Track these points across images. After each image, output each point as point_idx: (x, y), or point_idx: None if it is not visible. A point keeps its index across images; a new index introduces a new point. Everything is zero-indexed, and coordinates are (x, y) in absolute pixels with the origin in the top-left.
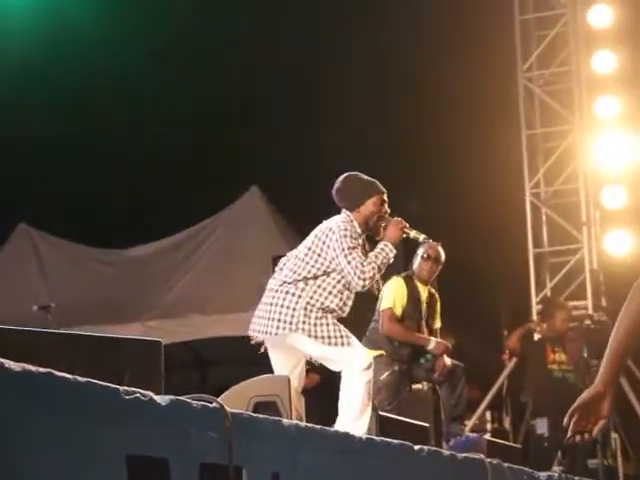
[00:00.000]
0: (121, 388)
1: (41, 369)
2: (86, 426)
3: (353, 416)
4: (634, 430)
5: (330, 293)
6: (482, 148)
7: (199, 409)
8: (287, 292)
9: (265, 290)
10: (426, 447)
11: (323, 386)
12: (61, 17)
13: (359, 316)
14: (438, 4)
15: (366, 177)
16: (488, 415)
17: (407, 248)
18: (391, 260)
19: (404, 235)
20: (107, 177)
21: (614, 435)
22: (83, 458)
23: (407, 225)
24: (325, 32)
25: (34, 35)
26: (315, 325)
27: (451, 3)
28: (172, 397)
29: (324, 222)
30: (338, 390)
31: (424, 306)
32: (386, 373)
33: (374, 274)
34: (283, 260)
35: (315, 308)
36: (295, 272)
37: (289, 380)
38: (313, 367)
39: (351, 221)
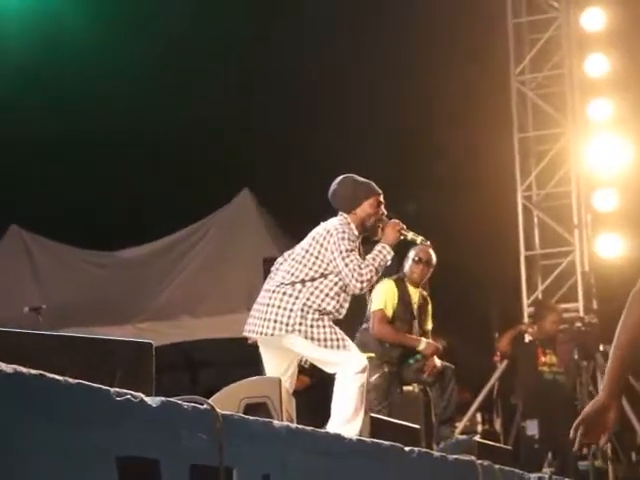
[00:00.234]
0: (112, 390)
1: (32, 371)
2: (77, 427)
3: (345, 419)
4: (624, 432)
5: (327, 295)
6: (474, 151)
7: (190, 410)
8: (284, 293)
9: (260, 291)
10: (417, 449)
11: (314, 388)
12: (60, 18)
13: (347, 318)
14: (432, 8)
15: (362, 179)
16: (479, 417)
17: (399, 250)
18: (389, 262)
19: (401, 237)
20: (105, 177)
21: None
22: (74, 459)
23: (404, 227)
24: (321, 33)
25: (32, 36)
26: (311, 327)
27: (445, 7)
28: (163, 399)
29: (321, 224)
30: (329, 392)
31: (415, 308)
32: (376, 375)
33: (372, 276)
34: (279, 260)
35: (312, 310)
36: (292, 274)
37: (280, 382)
38: (303, 369)
39: (348, 223)
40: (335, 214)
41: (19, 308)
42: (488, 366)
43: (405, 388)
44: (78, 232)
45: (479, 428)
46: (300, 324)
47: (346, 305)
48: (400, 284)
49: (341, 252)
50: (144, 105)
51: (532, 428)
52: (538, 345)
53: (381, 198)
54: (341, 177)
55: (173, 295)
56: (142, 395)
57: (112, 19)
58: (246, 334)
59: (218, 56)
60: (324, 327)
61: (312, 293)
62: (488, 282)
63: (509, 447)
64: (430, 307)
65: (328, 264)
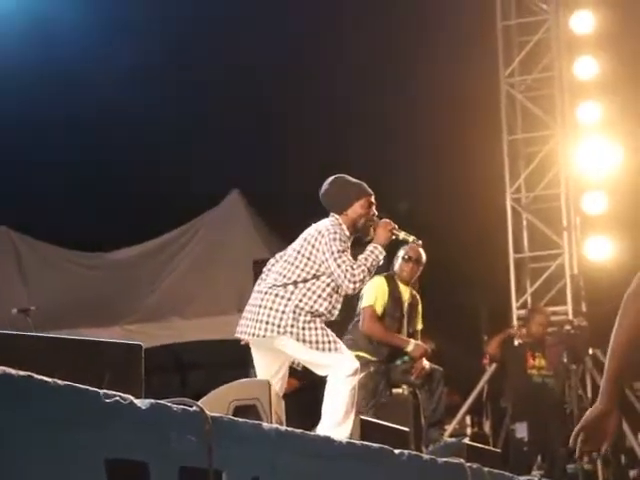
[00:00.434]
0: (101, 391)
1: (21, 372)
2: (66, 429)
3: (336, 421)
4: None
5: (320, 297)
6: (464, 153)
7: (179, 413)
8: (276, 295)
9: (251, 292)
10: (406, 451)
11: (303, 391)
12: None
13: (338, 320)
14: (421, 9)
15: (353, 179)
16: (468, 419)
17: (389, 249)
18: (381, 262)
19: (393, 237)
20: (94, 178)
21: None
22: (62, 462)
23: (396, 226)
24: (311, 30)
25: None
26: (303, 329)
27: (434, 8)
28: (152, 401)
29: (312, 225)
30: (318, 395)
31: (405, 306)
32: (362, 374)
33: (364, 277)
34: (271, 262)
35: (304, 312)
36: (284, 276)
37: (269, 384)
38: (292, 372)
39: (340, 224)
40: (326, 215)
41: (7, 309)
42: (477, 369)
43: (394, 390)
44: (67, 233)
45: (468, 431)
46: (292, 326)
47: (338, 306)
48: (391, 281)
49: (333, 253)
50: (134, 104)
51: (521, 431)
52: (527, 348)
53: (372, 199)
54: (332, 178)
55: (163, 296)
56: (131, 397)
57: (104, 21)
58: (238, 335)
59: (205, 53)
60: (316, 329)
61: (304, 295)
62: (477, 284)
63: (498, 450)
64: (420, 307)
65: (320, 265)
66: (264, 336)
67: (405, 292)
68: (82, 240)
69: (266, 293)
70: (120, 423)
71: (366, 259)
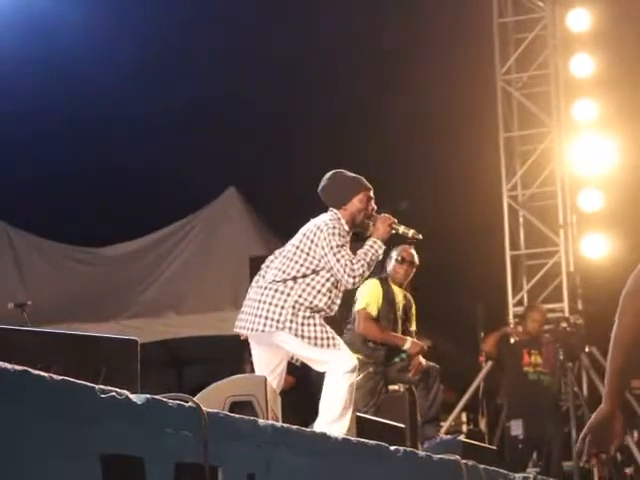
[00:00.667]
0: (97, 387)
1: (17, 367)
2: (61, 424)
3: (333, 418)
4: None
5: (319, 292)
6: (459, 150)
7: (175, 408)
8: (276, 290)
9: (247, 289)
10: (402, 448)
11: (299, 387)
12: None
13: (335, 317)
14: (417, 7)
15: (352, 174)
16: (464, 416)
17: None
18: (380, 257)
19: (393, 231)
20: (90, 174)
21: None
22: (58, 457)
23: (395, 221)
24: (309, 32)
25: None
26: (302, 325)
27: (430, 5)
28: (148, 396)
29: (311, 220)
30: (314, 392)
31: (399, 307)
32: (360, 375)
33: (364, 271)
34: (270, 258)
35: (303, 307)
36: (284, 271)
37: (265, 380)
38: (288, 369)
39: (338, 219)
40: (323, 211)
41: (3, 304)
42: (473, 366)
43: (390, 387)
44: (63, 229)
45: (464, 428)
46: (291, 321)
47: (338, 301)
48: (384, 284)
49: (332, 248)
50: (129, 100)
51: (516, 428)
52: (523, 346)
53: (371, 193)
54: (331, 172)
55: (159, 292)
56: (127, 392)
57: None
58: (237, 330)
59: (201, 52)
60: (315, 325)
61: (304, 290)
62: (473, 282)
63: (494, 447)
64: (414, 309)
65: (319, 260)
66: (263, 331)
67: (399, 294)
68: (79, 236)
69: (266, 288)
70: (116, 418)
71: (365, 254)
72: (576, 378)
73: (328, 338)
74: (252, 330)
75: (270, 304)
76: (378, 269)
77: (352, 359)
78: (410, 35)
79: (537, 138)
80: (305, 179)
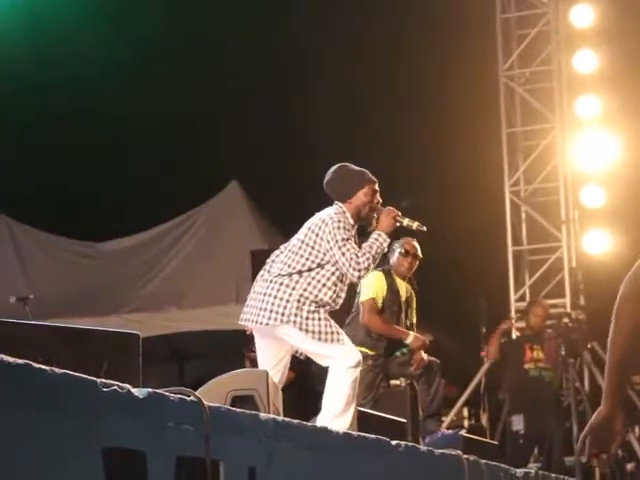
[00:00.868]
0: (98, 380)
1: (18, 360)
2: (63, 418)
3: (336, 413)
4: None
5: (324, 285)
6: (462, 146)
7: (177, 402)
8: (281, 283)
9: (256, 282)
10: (403, 443)
11: (299, 382)
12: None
13: (338, 310)
14: (420, 3)
15: (356, 167)
16: (465, 411)
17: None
18: (385, 250)
19: (397, 224)
20: (92, 168)
21: None
22: (59, 450)
23: (399, 213)
24: (311, 26)
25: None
26: (307, 319)
27: (433, 1)
28: (150, 390)
29: (316, 214)
30: (315, 386)
31: (403, 300)
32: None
33: (369, 264)
34: (276, 252)
35: (308, 301)
36: (289, 265)
37: (267, 374)
38: (290, 364)
39: (343, 212)
40: (327, 205)
41: (5, 298)
42: (475, 361)
43: (392, 382)
44: (66, 222)
45: (465, 423)
46: (295, 315)
47: (343, 295)
48: (388, 276)
49: (337, 241)
50: (132, 93)
51: (517, 423)
52: (525, 341)
53: (376, 186)
54: (336, 166)
55: (160, 286)
56: (129, 386)
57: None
58: (242, 322)
59: (206, 50)
60: (319, 320)
61: (309, 284)
62: (475, 277)
63: (495, 442)
64: (415, 301)
65: (325, 254)
66: (267, 324)
67: (402, 286)
68: (81, 229)
69: (271, 282)
70: (117, 412)
71: (370, 247)
72: (578, 373)
73: (332, 333)
74: (257, 323)
75: (275, 297)
76: (381, 261)
77: (356, 354)
78: (412, 31)
79: (540, 134)
80: (309, 173)
